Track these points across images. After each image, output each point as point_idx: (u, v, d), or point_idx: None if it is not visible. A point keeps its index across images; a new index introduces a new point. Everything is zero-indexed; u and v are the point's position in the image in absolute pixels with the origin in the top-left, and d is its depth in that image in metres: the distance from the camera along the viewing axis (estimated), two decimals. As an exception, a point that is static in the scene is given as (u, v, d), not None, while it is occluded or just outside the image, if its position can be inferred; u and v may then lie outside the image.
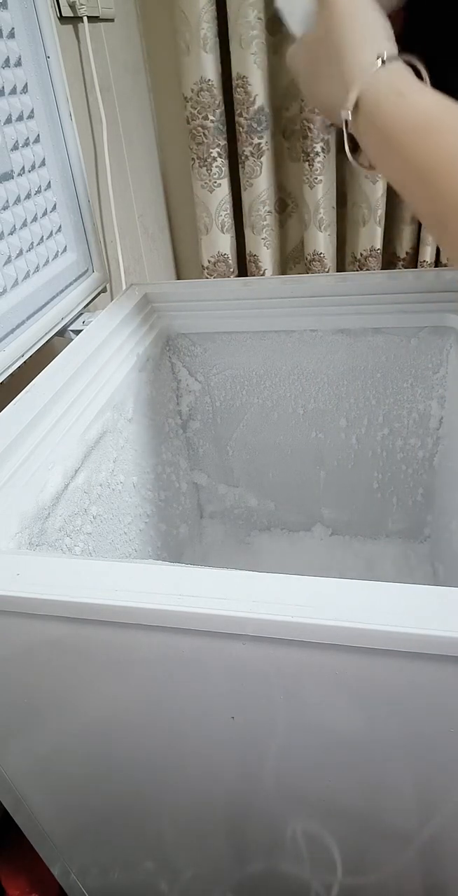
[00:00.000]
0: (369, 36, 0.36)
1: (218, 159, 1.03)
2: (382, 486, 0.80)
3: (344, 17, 0.37)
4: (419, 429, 0.74)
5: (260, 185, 1.06)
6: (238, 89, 0.98)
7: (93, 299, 0.73)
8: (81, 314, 0.69)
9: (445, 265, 1.15)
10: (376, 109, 0.35)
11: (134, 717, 0.40)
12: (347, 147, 0.38)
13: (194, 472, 0.85)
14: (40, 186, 0.62)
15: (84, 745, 0.43)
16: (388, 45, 0.36)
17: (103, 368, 0.57)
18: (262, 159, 1.04)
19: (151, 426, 0.68)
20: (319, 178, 1.05)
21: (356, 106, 0.36)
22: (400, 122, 0.34)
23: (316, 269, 1.14)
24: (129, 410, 0.60)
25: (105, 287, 0.75)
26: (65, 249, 0.68)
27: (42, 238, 0.63)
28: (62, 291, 0.67)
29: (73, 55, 0.78)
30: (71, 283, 0.69)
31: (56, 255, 0.66)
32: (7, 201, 0.57)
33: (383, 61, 0.35)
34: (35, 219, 0.62)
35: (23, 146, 0.59)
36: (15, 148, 0.58)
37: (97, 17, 0.83)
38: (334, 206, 1.10)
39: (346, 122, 0.37)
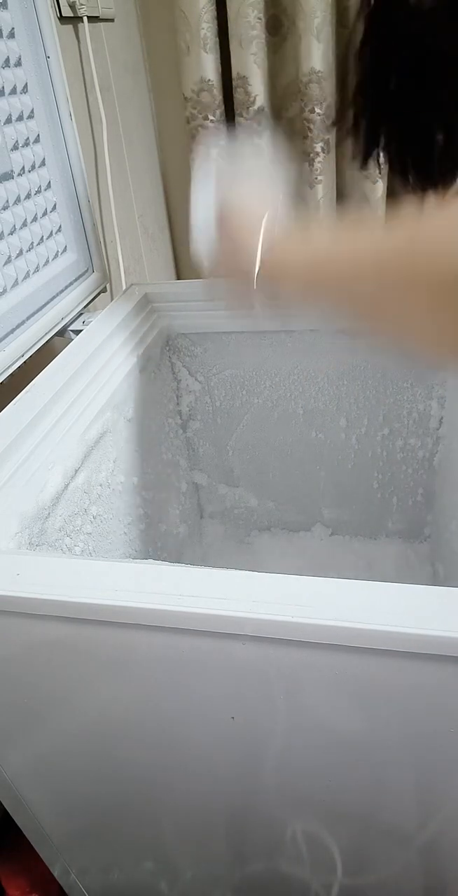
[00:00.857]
0: (255, 227, 0.43)
1: (218, 159, 1.03)
2: (382, 486, 0.80)
3: (238, 229, 0.45)
4: (419, 429, 0.74)
5: (260, 185, 1.06)
6: (238, 89, 0.98)
7: (93, 299, 0.73)
8: (81, 314, 0.69)
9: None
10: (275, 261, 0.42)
11: (134, 716, 0.40)
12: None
13: (194, 472, 0.85)
14: (40, 186, 0.62)
15: (84, 744, 0.43)
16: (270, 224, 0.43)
17: (103, 368, 0.57)
18: (262, 159, 1.04)
19: (152, 426, 0.68)
20: (319, 178, 1.05)
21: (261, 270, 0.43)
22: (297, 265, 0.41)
23: (316, 269, 1.14)
24: (129, 410, 0.60)
25: (105, 287, 0.75)
26: (65, 249, 0.68)
27: (42, 238, 0.63)
28: (62, 291, 0.67)
29: (73, 55, 0.78)
30: (71, 283, 0.69)
31: (56, 255, 0.66)
32: (7, 201, 0.57)
33: (268, 230, 0.43)
34: (35, 219, 0.62)
35: (23, 146, 0.59)
36: (15, 148, 0.58)
37: (97, 17, 0.83)
38: (335, 206, 1.10)
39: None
